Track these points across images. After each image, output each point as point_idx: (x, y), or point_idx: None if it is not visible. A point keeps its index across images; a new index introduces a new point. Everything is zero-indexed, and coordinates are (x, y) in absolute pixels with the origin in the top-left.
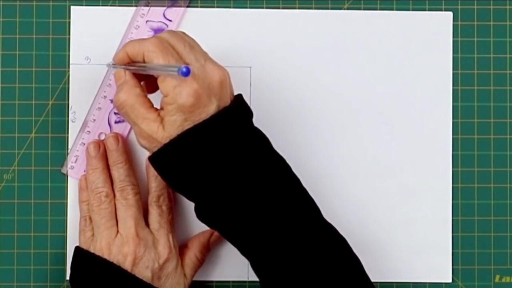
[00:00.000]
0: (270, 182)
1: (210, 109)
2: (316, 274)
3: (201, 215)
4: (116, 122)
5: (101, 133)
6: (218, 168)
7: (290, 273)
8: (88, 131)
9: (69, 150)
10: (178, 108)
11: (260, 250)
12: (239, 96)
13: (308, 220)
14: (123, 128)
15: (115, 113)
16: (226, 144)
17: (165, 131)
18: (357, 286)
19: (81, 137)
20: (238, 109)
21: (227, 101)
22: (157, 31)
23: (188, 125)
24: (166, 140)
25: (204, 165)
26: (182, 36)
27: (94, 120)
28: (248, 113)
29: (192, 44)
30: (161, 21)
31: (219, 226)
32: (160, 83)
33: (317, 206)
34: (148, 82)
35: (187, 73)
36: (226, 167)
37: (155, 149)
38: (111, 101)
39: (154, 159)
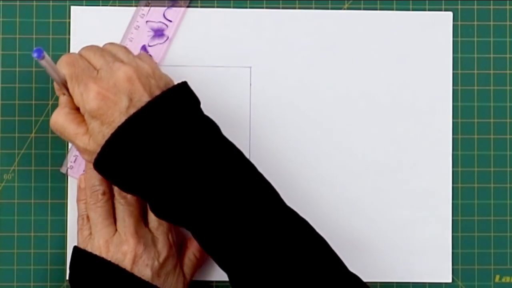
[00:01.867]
0: (223, 169)
1: (121, 106)
2: (282, 258)
3: (157, 212)
4: None
5: None
6: (159, 161)
7: (256, 260)
8: None
9: (68, 150)
10: (90, 114)
11: (222, 241)
12: (174, 88)
13: (268, 205)
14: None
15: None
16: (161, 137)
17: (93, 141)
18: (326, 265)
19: None
20: (163, 101)
21: (143, 96)
22: (157, 31)
23: (106, 128)
24: (98, 149)
25: (143, 161)
26: (97, 46)
27: None
28: (187, 101)
29: (107, 50)
30: (161, 21)
31: (177, 220)
32: (72, 94)
33: (276, 190)
34: None
35: (38, 52)
36: (167, 159)
37: (94, 160)
38: None
39: (96, 167)
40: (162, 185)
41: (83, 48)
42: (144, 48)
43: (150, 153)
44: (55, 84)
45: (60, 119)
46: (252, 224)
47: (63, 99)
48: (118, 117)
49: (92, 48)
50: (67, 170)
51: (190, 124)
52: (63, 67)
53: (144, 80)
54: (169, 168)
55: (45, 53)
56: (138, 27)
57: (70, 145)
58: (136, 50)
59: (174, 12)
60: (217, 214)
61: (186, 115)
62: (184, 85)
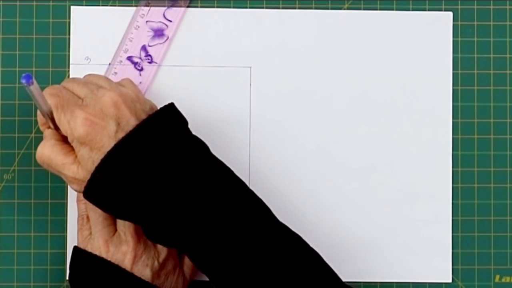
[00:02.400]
0: (213, 189)
1: (110, 131)
2: (276, 274)
3: (151, 236)
4: None
5: None
6: (150, 185)
7: (250, 278)
8: None
9: None
10: (78, 141)
11: (216, 261)
12: (161, 110)
13: (260, 222)
14: None
15: None
16: (151, 160)
17: (83, 169)
18: (320, 278)
19: None
20: (151, 124)
21: (130, 119)
22: (157, 31)
23: (96, 154)
24: (88, 176)
25: (135, 185)
26: (78, 78)
27: None
28: (175, 123)
29: (88, 80)
30: (161, 21)
31: (171, 243)
32: (58, 125)
33: (267, 207)
34: None
35: (26, 77)
36: (159, 183)
37: (84, 188)
38: None
39: (86, 195)
40: (154, 209)
41: (64, 81)
42: (144, 48)
43: (141, 177)
44: (39, 118)
45: (47, 151)
46: (245, 242)
47: (48, 132)
48: (107, 142)
49: (74, 79)
50: None
51: (179, 146)
52: (47, 98)
53: (130, 104)
54: (160, 192)
55: (34, 79)
56: (138, 27)
57: None
58: (136, 50)
59: (174, 12)
60: (210, 235)
61: (175, 136)
62: (171, 106)
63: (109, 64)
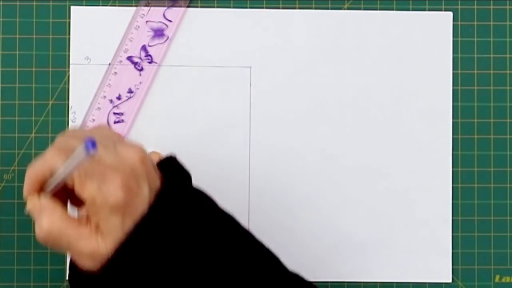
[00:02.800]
0: (229, 248)
1: (144, 194)
2: None
3: None
4: (115, 122)
5: None
6: (178, 258)
7: None
8: None
9: None
10: (112, 209)
11: None
12: (170, 162)
13: (272, 274)
14: (122, 128)
15: (114, 113)
16: (178, 227)
17: (107, 241)
18: None
19: None
20: (175, 183)
21: (155, 178)
22: (157, 31)
23: (128, 223)
24: (113, 251)
25: (162, 258)
26: (78, 130)
27: (94, 120)
28: (185, 178)
29: (93, 132)
30: (161, 21)
31: None
32: (80, 190)
33: (275, 255)
34: (74, 197)
35: (93, 145)
36: (189, 253)
37: (102, 264)
38: (111, 101)
39: (105, 272)
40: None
41: (63, 135)
42: (144, 48)
43: (164, 249)
44: (28, 186)
45: (56, 226)
46: None
47: (48, 204)
48: (141, 207)
49: (73, 132)
50: None
51: (192, 209)
52: (57, 157)
53: (150, 161)
54: (186, 263)
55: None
56: (138, 27)
57: None
58: (136, 50)
59: (174, 12)
60: None
61: (188, 199)
62: (173, 160)
63: (109, 64)
